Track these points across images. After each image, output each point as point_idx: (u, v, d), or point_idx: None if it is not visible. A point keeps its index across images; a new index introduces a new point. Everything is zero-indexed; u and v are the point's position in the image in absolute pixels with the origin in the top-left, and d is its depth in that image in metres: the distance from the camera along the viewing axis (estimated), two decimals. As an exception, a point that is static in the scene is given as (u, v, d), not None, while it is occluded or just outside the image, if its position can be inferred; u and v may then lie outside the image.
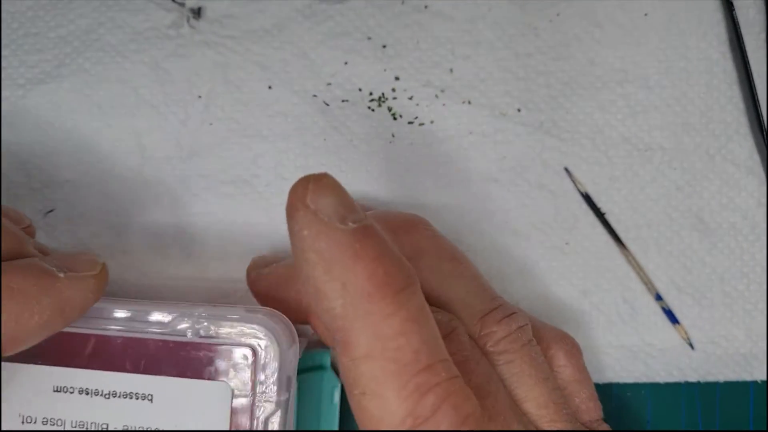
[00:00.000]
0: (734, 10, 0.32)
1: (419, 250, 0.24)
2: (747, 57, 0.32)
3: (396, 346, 0.19)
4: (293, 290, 0.26)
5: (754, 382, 0.32)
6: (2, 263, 0.22)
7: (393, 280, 0.19)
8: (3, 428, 0.24)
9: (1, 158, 0.33)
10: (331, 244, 0.19)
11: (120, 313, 0.25)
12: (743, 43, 0.32)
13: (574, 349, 0.27)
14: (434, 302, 0.25)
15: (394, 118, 0.33)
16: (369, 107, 0.33)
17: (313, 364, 0.29)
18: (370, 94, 0.33)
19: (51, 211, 0.32)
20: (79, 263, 0.24)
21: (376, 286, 0.19)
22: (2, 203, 0.32)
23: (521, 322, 0.25)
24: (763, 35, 0.33)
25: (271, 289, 0.28)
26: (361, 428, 0.20)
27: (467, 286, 0.25)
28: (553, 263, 0.32)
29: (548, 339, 0.27)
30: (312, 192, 0.19)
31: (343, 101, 0.33)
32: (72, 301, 0.23)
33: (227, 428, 0.24)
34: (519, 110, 0.33)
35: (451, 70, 0.33)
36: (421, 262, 0.25)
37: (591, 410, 0.27)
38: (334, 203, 0.19)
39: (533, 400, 0.24)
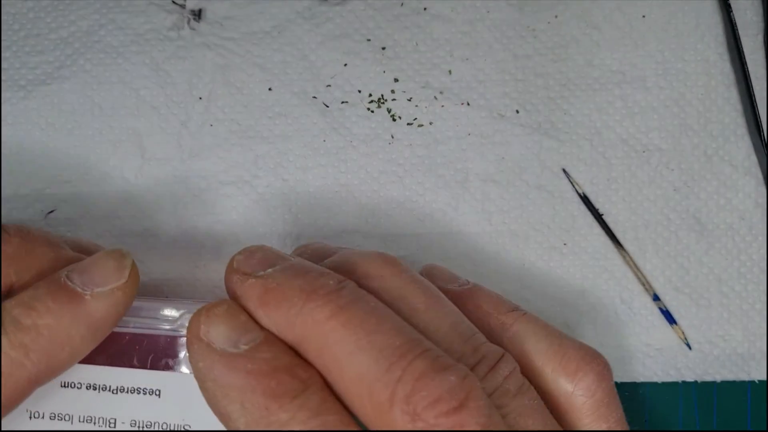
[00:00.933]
0: (732, 12, 0.32)
1: (391, 299, 0.23)
2: (744, 59, 0.32)
3: None
4: None
5: (752, 382, 0.32)
6: (26, 297, 0.22)
7: (288, 389, 0.20)
8: (5, 427, 0.24)
9: (1, 159, 0.33)
10: (224, 370, 0.20)
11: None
12: (741, 44, 0.32)
13: (605, 371, 0.25)
14: None
15: (393, 120, 0.33)
16: (368, 108, 0.33)
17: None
18: (370, 95, 0.33)
19: (52, 211, 0.32)
20: (104, 272, 0.23)
21: (272, 397, 0.20)
22: (3, 204, 0.32)
23: (507, 370, 0.22)
24: (761, 37, 0.33)
25: None
26: None
27: (445, 336, 0.23)
28: (551, 264, 0.32)
29: (576, 359, 0.25)
30: (204, 324, 0.21)
31: (342, 103, 0.33)
32: (103, 321, 0.23)
33: None
34: (517, 111, 0.33)
35: (450, 72, 0.33)
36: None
37: None
38: (225, 330, 0.21)
39: None
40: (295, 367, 0.21)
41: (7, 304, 0.22)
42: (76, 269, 0.23)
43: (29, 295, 0.22)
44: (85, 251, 0.26)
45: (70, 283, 0.23)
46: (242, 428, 0.20)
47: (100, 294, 0.23)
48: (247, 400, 0.20)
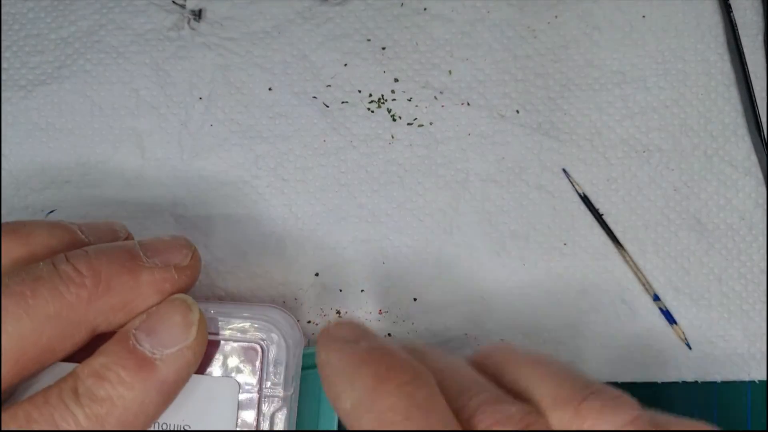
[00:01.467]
0: (732, 12, 0.32)
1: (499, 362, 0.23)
2: (744, 59, 0.32)
3: None
4: None
5: (752, 382, 0.32)
6: (97, 364, 0.22)
7: (398, 374, 0.20)
8: (4, 428, 0.24)
9: (1, 159, 0.33)
10: (342, 356, 0.21)
11: None
12: (741, 44, 0.32)
13: None
14: (518, 391, 0.21)
15: (394, 120, 0.33)
16: (368, 109, 0.33)
17: (312, 362, 0.29)
18: (370, 95, 0.33)
19: (52, 211, 0.32)
20: (171, 331, 0.23)
21: (381, 380, 0.20)
22: (3, 204, 0.32)
23: (632, 412, 0.20)
24: (761, 37, 0.33)
25: None
26: None
27: (557, 371, 0.21)
28: (551, 264, 0.32)
29: None
30: (335, 326, 0.22)
31: (342, 103, 0.33)
32: (174, 384, 0.23)
33: (234, 421, 0.24)
34: (517, 112, 0.33)
35: (450, 72, 0.33)
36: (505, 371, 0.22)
37: None
38: (351, 330, 0.22)
39: None
40: (410, 361, 0.21)
41: (81, 372, 0.22)
42: (144, 328, 0.23)
43: (100, 362, 0.22)
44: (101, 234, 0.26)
45: (139, 347, 0.22)
46: (348, 407, 0.20)
47: (169, 357, 0.22)
48: (357, 381, 0.20)
